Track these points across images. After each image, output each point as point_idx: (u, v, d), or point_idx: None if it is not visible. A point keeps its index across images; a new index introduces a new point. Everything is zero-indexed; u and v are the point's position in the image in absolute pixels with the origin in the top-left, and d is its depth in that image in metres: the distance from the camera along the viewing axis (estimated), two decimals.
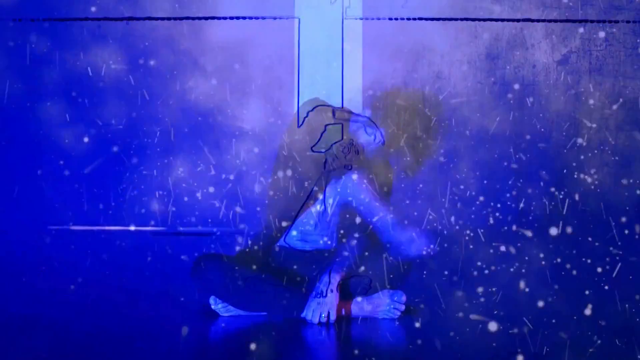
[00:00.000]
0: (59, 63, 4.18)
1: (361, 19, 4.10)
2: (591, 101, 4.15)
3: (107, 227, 4.17)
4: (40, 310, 3.65)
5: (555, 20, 4.05)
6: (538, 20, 4.07)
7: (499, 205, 4.14)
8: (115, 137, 4.19)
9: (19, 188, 4.21)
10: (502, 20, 4.10)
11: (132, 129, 4.18)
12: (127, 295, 3.90)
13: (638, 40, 4.17)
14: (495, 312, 3.61)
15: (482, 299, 3.77)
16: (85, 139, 4.14)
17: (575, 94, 4.17)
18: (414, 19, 4.08)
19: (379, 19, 4.11)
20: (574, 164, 4.15)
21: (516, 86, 4.17)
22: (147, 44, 4.16)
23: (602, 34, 4.15)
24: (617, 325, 3.49)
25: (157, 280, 4.01)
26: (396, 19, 4.10)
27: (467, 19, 4.08)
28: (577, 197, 4.10)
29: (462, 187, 4.15)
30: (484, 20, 4.08)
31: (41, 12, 4.17)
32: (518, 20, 4.08)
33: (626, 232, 4.07)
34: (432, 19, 4.08)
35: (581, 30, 4.18)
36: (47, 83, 4.19)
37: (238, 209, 4.06)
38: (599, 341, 3.27)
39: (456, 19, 4.08)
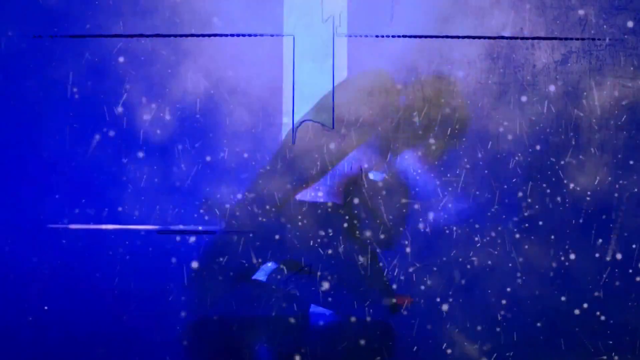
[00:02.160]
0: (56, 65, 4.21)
1: (349, 36, 4.10)
2: (591, 101, 4.14)
3: (106, 226, 4.18)
4: (39, 311, 3.67)
5: (542, 38, 4.06)
6: (525, 38, 4.07)
7: (498, 205, 4.14)
8: (114, 137, 4.20)
9: (17, 186, 4.23)
10: (490, 37, 4.10)
11: (130, 130, 4.19)
12: (125, 295, 3.90)
13: (637, 41, 4.16)
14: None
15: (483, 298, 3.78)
16: (91, 140, 4.18)
17: (575, 94, 4.16)
18: (400, 36, 4.08)
19: (366, 36, 4.11)
20: (574, 164, 4.14)
21: (516, 86, 4.17)
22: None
23: (602, 35, 4.14)
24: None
25: (156, 281, 4.01)
26: (382, 36, 4.10)
27: (456, 37, 4.08)
28: (576, 196, 4.09)
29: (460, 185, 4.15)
30: (473, 37, 4.08)
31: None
32: (506, 38, 4.08)
33: (625, 234, 4.07)
34: (420, 37, 4.08)
35: (581, 29, 4.17)
36: (47, 83, 4.22)
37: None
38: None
39: (441, 37, 4.08)
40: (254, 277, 3.67)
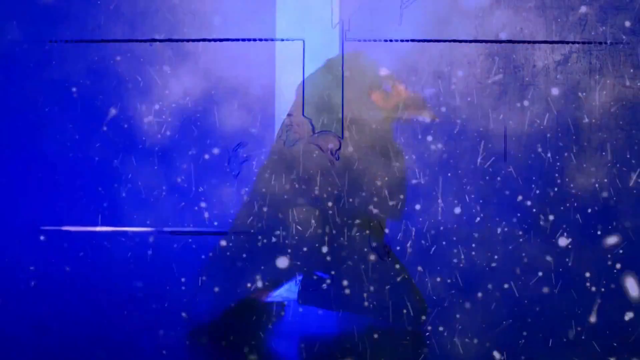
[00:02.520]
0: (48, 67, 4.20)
1: (359, 40, 4.11)
2: (591, 101, 4.16)
3: (102, 228, 4.15)
4: (37, 313, 3.65)
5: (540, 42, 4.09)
6: (522, 42, 4.09)
7: (497, 205, 4.14)
8: (112, 138, 4.19)
9: (12, 187, 4.20)
10: (500, 42, 4.12)
11: (130, 131, 4.18)
12: (123, 297, 3.89)
13: (637, 41, 4.18)
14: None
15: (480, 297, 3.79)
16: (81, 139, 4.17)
17: (574, 94, 4.18)
18: (407, 40, 4.11)
19: (375, 40, 4.12)
20: (574, 164, 4.16)
21: (516, 86, 4.18)
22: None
23: (602, 35, 4.16)
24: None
25: (154, 282, 3.99)
26: (391, 40, 4.11)
27: (455, 41, 4.10)
28: (576, 197, 4.11)
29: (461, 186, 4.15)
30: (479, 42, 4.10)
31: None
32: (509, 42, 4.11)
33: (627, 231, 4.08)
34: (425, 41, 4.10)
35: (581, 29, 4.19)
36: (47, 86, 4.21)
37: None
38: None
39: (444, 41, 4.10)
40: (274, 300, 3.66)
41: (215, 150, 4.14)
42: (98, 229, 4.15)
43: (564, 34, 4.18)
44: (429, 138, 4.11)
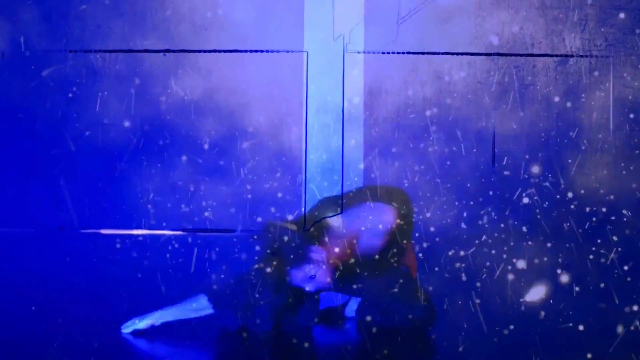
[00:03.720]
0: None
1: (361, 52, 4.17)
2: (591, 101, 4.11)
3: (136, 231, 4.29)
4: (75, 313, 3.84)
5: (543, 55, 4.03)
6: (525, 55, 4.05)
7: (497, 205, 4.17)
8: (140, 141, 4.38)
9: (48, 190, 4.36)
10: (496, 54, 4.09)
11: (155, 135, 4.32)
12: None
13: (637, 41, 4.08)
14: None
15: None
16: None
17: (574, 94, 4.13)
18: (407, 53, 4.12)
19: (375, 52, 4.16)
20: (574, 164, 4.14)
21: (516, 86, 4.16)
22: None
23: (602, 35, 4.08)
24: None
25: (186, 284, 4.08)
26: (391, 52, 4.14)
27: (458, 54, 4.09)
28: (576, 197, 4.10)
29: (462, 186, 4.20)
30: (478, 54, 4.07)
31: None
32: (509, 55, 4.07)
33: (626, 231, 4.07)
34: (423, 53, 4.10)
35: (581, 30, 4.11)
36: (74, 92, 4.35)
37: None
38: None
39: (443, 54, 4.10)
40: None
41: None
42: (134, 232, 4.27)
43: (564, 34, 4.12)
44: (428, 139, 4.17)
